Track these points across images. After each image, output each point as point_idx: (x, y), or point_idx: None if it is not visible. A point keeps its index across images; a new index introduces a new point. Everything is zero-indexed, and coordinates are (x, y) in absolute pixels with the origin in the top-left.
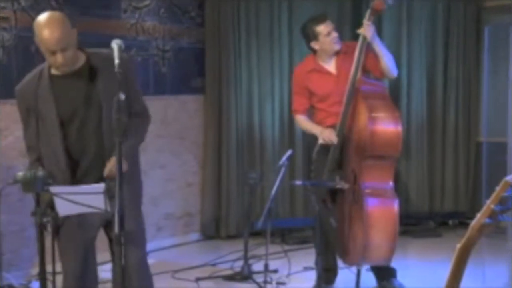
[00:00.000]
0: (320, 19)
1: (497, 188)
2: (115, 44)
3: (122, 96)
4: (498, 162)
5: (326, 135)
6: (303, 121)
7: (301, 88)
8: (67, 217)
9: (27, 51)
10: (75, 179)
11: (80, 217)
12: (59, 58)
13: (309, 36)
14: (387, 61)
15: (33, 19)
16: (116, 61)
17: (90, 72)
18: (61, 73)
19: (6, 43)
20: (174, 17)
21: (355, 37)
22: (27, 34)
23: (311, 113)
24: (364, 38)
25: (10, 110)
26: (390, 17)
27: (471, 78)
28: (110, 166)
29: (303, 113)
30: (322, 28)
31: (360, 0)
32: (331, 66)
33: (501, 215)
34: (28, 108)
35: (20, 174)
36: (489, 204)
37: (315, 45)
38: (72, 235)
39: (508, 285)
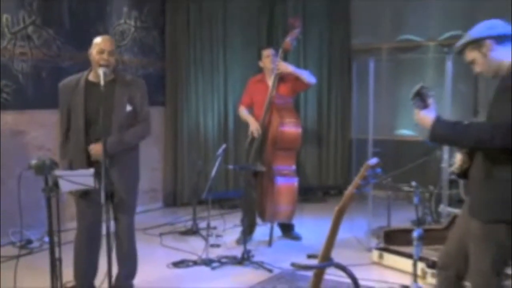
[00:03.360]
0: (266, 47)
1: (362, 169)
2: (101, 71)
3: (129, 107)
4: (362, 152)
5: (254, 127)
6: (243, 112)
7: (248, 91)
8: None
9: (40, 77)
10: (89, 159)
11: (92, 193)
12: (105, 55)
13: (259, 56)
14: (305, 76)
15: (44, 54)
16: (102, 82)
17: (114, 86)
18: (98, 77)
19: (24, 71)
20: (143, 53)
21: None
22: (39, 65)
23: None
24: (277, 73)
25: (28, 118)
26: (292, 56)
27: (345, 96)
28: (95, 150)
29: (244, 106)
30: (264, 52)
31: (271, 32)
32: (271, 82)
33: (364, 187)
34: (65, 101)
35: (33, 162)
36: (357, 180)
37: (260, 62)
38: (90, 202)
39: (366, 233)
